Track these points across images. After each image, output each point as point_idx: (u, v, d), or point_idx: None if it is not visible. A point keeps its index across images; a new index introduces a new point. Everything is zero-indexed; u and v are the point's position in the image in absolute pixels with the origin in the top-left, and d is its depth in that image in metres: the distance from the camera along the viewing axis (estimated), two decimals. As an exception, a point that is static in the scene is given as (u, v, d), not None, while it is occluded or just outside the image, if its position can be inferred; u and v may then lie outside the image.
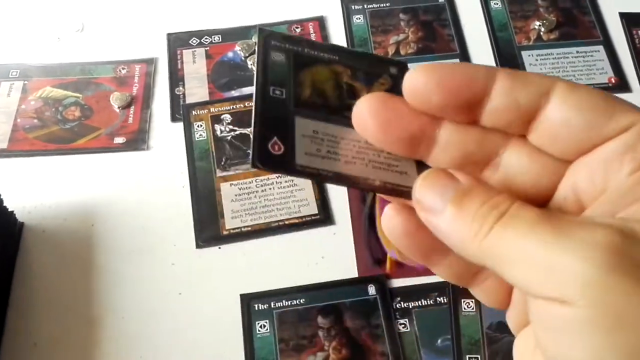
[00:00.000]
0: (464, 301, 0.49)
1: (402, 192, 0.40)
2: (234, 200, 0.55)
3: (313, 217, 0.54)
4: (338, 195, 0.55)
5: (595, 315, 0.20)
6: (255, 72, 0.49)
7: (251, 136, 0.43)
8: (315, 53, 0.51)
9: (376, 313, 0.49)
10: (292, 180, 0.55)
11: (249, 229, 0.53)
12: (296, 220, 0.54)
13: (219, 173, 0.56)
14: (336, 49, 0.52)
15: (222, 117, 0.60)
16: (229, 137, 0.58)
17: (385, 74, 0.47)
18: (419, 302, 0.50)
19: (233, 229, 0.53)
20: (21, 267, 0.52)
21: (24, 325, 0.49)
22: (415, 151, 0.26)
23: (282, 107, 0.49)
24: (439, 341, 0.48)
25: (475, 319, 0.48)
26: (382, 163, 0.42)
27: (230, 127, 0.59)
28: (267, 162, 0.45)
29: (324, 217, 0.54)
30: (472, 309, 0.49)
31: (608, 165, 0.23)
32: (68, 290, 0.51)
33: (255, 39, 0.65)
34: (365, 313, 0.49)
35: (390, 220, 0.26)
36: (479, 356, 0.47)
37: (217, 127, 0.59)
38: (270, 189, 0.56)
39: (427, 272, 0.51)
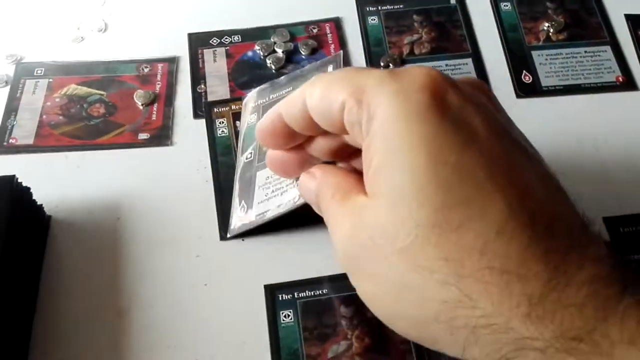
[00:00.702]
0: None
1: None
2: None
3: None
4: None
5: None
6: (239, 144, 0.57)
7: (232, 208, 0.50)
8: (277, 95, 0.57)
9: (397, 303, 0.50)
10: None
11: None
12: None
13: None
14: (292, 79, 0.59)
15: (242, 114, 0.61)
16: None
17: None
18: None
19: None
20: (49, 259, 0.53)
21: (53, 316, 0.50)
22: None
23: (250, 168, 0.56)
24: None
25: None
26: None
27: (250, 123, 0.61)
28: (235, 232, 0.54)
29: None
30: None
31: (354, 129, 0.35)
32: (96, 281, 0.52)
33: (274, 38, 0.67)
34: (387, 303, 0.50)
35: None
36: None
37: (238, 123, 0.60)
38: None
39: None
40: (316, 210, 0.41)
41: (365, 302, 0.36)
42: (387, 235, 0.31)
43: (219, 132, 0.60)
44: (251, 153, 0.56)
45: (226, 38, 0.68)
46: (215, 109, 0.62)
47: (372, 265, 0.33)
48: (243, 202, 0.53)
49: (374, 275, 0.33)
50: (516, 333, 0.27)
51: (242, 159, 0.56)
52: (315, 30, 0.68)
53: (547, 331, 0.27)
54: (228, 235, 0.53)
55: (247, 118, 0.58)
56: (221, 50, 0.67)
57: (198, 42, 0.67)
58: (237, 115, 0.61)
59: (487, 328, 0.28)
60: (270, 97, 0.58)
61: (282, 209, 0.50)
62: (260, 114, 0.58)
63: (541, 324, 0.27)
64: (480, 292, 0.28)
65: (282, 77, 0.60)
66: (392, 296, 0.33)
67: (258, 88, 0.60)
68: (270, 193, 0.52)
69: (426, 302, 0.30)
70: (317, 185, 0.39)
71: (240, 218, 0.53)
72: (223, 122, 0.61)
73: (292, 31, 0.68)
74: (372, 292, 0.36)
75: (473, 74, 0.65)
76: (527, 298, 0.27)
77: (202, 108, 0.62)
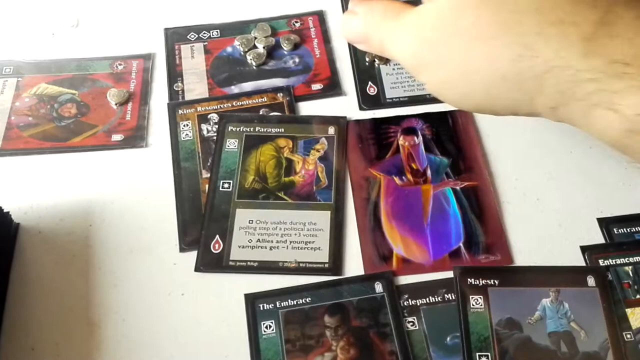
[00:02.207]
0: (472, 297, 0.48)
1: (314, 269, 0.50)
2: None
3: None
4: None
5: None
6: (210, 169, 0.54)
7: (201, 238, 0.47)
8: (264, 130, 0.55)
9: (384, 311, 0.48)
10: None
11: (252, 227, 0.53)
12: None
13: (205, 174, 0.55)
14: (283, 119, 0.57)
15: (209, 116, 0.58)
16: (215, 137, 0.57)
17: (323, 137, 0.53)
18: (427, 299, 0.49)
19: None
20: (17, 269, 0.51)
21: (21, 329, 0.48)
22: None
23: (227, 200, 0.54)
24: (448, 339, 0.47)
25: (484, 315, 0.48)
26: (301, 242, 0.50)
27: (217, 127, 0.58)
28: (208, 265, 0.52)
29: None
30: (481, 305, 0.48)
31: None
32: (66, 292, 0.49)
33: (254, 33, 0.64)
34: (373, 311, 0.48)
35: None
36: (489, 354, 0.46)
37: (204, 126, 0.58)
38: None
39: (435, 269, 0.50)
40: (364, 48, 0.44)
41: (438, 93, 0.40)
42: (449, 20, 0.36)
43: (183, 135, 0.57)
44: (229, 184, 0.54)
45: (204, 33, 0.65)
46: (180, 111, 0.59)
47: (439, 54, 0.37)
48: (218, 237, 0.51)
49: (442, 62, 0.37)
50: (574, 69, 0.32)
51: (218, 183, 0.54)
52: (297, 25, 0.65)
53: (600, 61, 0.31)
54: (201, 269, 0.51)
55: (226, 142, 0.56)
56: (199, 46, 0.64)
57: (175, 37, 0.64)
58: (202, 118, 0.58)
59: (550, 72, 0.33)
60: (257, 129, 0.56)
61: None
62: (242, 142, 0.56)
63: (595, 57, 0.31)
64: (540, 43, 0.32)
65: (273, 114, 0.58)
66: (461, 74, 0.36)
67: (240, 115, 0.58)
68: (256, 242, 0.51)
69: (494, 67, 0.34)
70: (362, 19, 0.42)
71: (212, 255, 0.51)
72: (188, 125, 0.58)
73: (274, 25, 0.65)
74: (443, 80, 0.38)
75: (461, 69, 0.62)
76: (582, 39, 0.32)
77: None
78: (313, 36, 0.65)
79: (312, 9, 0.67)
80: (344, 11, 0.67)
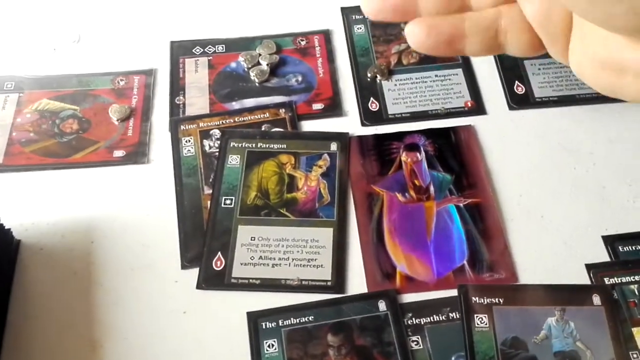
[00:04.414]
0: (477, 316, 0.48)
1: (317, 287, 0.49)
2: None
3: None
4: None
5: None
6: (212, 185, 0.54)
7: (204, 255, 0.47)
8: (267, 146, 0.55)
9: (387, 330, 0.48)
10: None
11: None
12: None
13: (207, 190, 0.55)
14: (285, 135, 0.57)
15: (211, 132, 0.58)
16: (217, 153, 0.57)
17: (325, 153, 0.53)
18: (431, 317, 0.48)
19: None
20: (18, 286, 0.50)
21: (22, 346, 0.47)
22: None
23: (229, 216, 0.54)
24: (453, 359, 0.47)
25: (489, 334, 0.47)
26: (304, 259, 0.50)
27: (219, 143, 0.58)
28: (210, 282, 0.52)
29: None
30: (486, 324, 0.48)
31: None
32: (67, 310, 0.49)
33: (259, 50, 0.64)
34: (376, 330, 0.48)
35: (418, 36, 0.31)
36: (494, 373, 0.46)
37: (206, 142, 0.58)
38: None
39: (438, 287, 0.50)
40: None
41: None
42: None
43: (185, 151, 0.57)
44: (231, 200, 0.53)
45: (210, 47, 0.65)
46: (182, 127, 0.59)
47: None
48: (220, 254, 0.51)
49: None
50: None
51: (220, 200, 0.53)
52: (303, 43, 0.65)
53: None
54: (203, 286, 0.50)
55: (228, 158, 0.56)
56: (203, 60, 0.64)
57: (180, 50, 0.64)
58: (205, 134, 0.58)
59: None
60: (259, 145, 0.56)
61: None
62: (244, 158, 0.55)
63: None
64: None
65: (275, 130, 0.58)
66: None
67: (242, 130, 0.58)
68: (258, 259, 0.50)
69: None
70: None
71: (213, 272, 0.50)
72: (190, 141, 0.58)
73: (279, 42, 0.65)
74: None
75: (463, 85, 0.62)
76: None
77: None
78: (318, 55, 0.64)
79: (317, 27, 0.67)
80: (345, 28, 0.67)
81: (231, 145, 0.57)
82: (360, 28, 0.67)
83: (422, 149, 0.58)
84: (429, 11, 0.31)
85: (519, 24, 0.30)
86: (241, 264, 0.51)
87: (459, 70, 0.64)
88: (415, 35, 0.31)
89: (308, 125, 0.59)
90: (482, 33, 0.31)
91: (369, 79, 0.63)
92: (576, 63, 0.29)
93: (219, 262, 0.51)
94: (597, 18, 0.27)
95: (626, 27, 0.27)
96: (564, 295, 0.49)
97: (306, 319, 0.48)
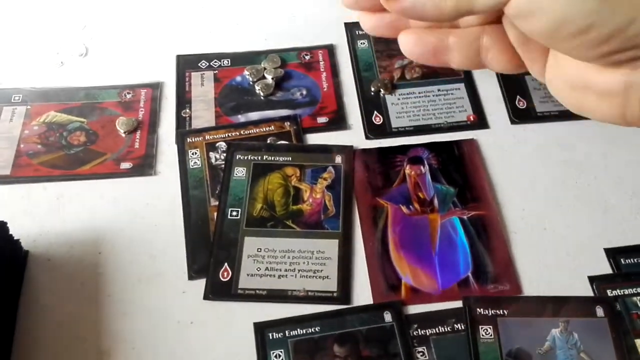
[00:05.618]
0: (481, 327, 0.49)
1: (323, 298, 0.50)
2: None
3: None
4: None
5: None
6: (218, 197, 0.55)
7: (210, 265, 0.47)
8: (272, 158, 0.56)
9: (393, 341, 0.48)
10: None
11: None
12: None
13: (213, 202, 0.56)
14: (290, 148, 0.58)
15: (217, 144, 0.59)
16: (223, 165, 0.57)
17: (330, 165, 0.53)
18: (436, 329, 0.49)
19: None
20: (27, 296, 0.50)
21: (31, 357, 0.48)
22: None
23: (235, 228, 0.54)
24: (459, 369, 0.47)
25: (494, 345, 0.48)
26: (310, 270, 0.51)
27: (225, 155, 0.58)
28: (216, 293, 0.52)
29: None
30: (491, 335, 0.48)
31: None
32: (76, 320, 0.49)
33: (264, 64, 0.65)
34: (382, 341, 0.48)
35: (408, 45, 0.33)
36: (499, 384, 0.46)
37: (212, 155, 0.58)
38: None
39: (443, 298, 0.51)
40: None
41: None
42: None
43: (192, 163, 0.58)
44: (238, 212, 0.54)
45: (215, 61, 0.65)
46: (189, 139, 0.59)
47: None
48: (226, 265, 0.51)
49: None
50: None
51: (226, 211, 0.54)
52: (307, 57, 0.66)
53: None
54: (210, 297, 0.51)
55: (234, 170, 0.56)
56: (209, 74, 0.65)
57: (186, 64, 0.65)
58: (211, 146, 0.59)
59: None
60: (265, 158, 0.57)
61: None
62: (250, 171, 0.56)
63: None
64: None
65: (280, 142, 0.59)
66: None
67: (248, 143, 0.58)
68: (264, 270, 0.51)
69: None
70: None
71: (220, 283, 0.51)
72: (196, 153, 0.58)
73: (284, 57, 0.66)
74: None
75: (466, 99, 0.63)
76: None
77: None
78: (322, 69, 0.65)
79: (322, 41, 0.68)
80: (348, 43, 0.68)
81: (237, 157, 0.58)
82: (364, 43, 0.68)
83: (425, 162, 0.58)
84: (420, 27, 0.33)
85: (500, 43, 0.32)
86: (247, 275, 0.51)
87: (461, 85, 0.65)
88: (406, 44, 0.33)
89: (313, 139, 0.60)
90: (465, 48, 0.33)
91: (372, 93, 0.64)
92: (551, 82, 0.32)
93: (225, 273, 0.51)
94: (561, 50, 0.30)
95: (586, 57, 0.30)
96: (567, 307, 0.50)
97: (312, 329, 0.49)
